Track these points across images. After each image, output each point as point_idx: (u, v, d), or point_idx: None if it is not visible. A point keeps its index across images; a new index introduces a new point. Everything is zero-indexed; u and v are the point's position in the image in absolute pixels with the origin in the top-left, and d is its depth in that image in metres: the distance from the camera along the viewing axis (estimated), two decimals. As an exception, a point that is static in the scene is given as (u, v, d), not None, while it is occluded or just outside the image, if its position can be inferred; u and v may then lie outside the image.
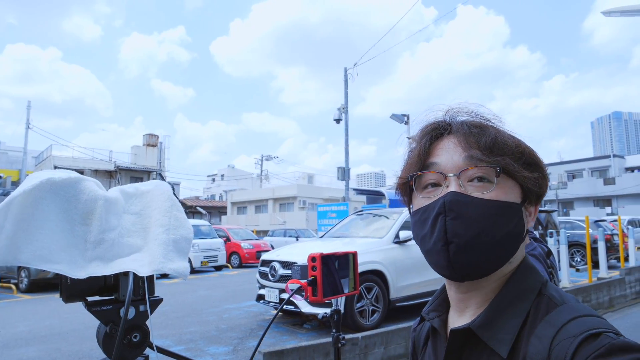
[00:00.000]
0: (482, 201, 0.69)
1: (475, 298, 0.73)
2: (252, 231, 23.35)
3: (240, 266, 17.75)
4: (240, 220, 41.73)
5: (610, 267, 11.41)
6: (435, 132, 0.77)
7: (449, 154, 0.74)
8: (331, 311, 1.38)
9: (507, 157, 0.71)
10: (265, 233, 28.89)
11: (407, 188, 0.80)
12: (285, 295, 6.43)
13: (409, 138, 0.83)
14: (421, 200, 0.75)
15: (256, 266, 7.77)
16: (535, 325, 0.66)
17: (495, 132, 0.73)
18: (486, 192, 0.70)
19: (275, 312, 7.45)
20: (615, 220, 16.03)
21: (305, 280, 1.17)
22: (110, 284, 0.82)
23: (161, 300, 0.83)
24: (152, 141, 35.63)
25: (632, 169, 48.24)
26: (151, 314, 0.80)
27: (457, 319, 0.76)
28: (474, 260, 0.69)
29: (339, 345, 1.29)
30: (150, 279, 0.82)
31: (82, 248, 0.75)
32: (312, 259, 1.18)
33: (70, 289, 0.77)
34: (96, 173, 32.06)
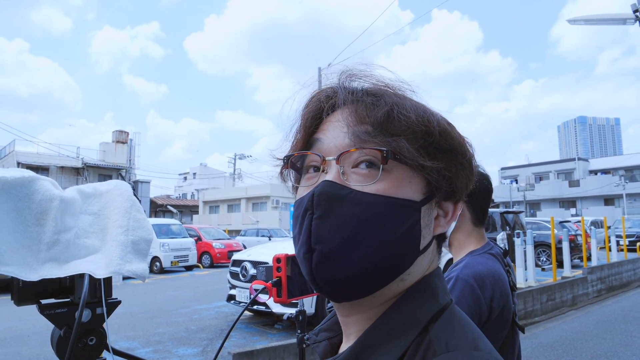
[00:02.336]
0: (362, 195, 0.51)
1: (357, 324, 0.56)
2: (224, 231, 23.14)
3: (211, 266, 17.56)
4: (212, 219, 41.27)
5: (573, 267, 11.80)
6: (323, 102, 0.59)
7: (333, 131, 0.56)
8: (296, 312, 1.38)
9: (403, 136, 0.53)
10: (237, 233, 28.67)
11: (293, 173, 0.62)
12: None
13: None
14: (301, 190, 0.58)
15: (228, 266, 7.70)
16: None
17: (393, 103, 0.54)
18: (370, 183, 0.52)
19: (249, 312, 7.41)
20: (579, 221, 16.61)
21: (270, 282, 1.17)
22: (65, 286, 0.80)
23: (119, 302, 0.81)
24: (121, 138, 34.85)
25: (595, 172, 50.15)
26: (108, 316, 0.79)
27: (345, 345, 0.59)
28: (341, 275, 0.51)
29: (304, 345, 1.29)
30: (108, 280, 0.80)
31: (36, 249, 0.73)
32: (277, 259, 1.18)
33: (23, 292, 0.75)
34: (62, 170, 31.13)
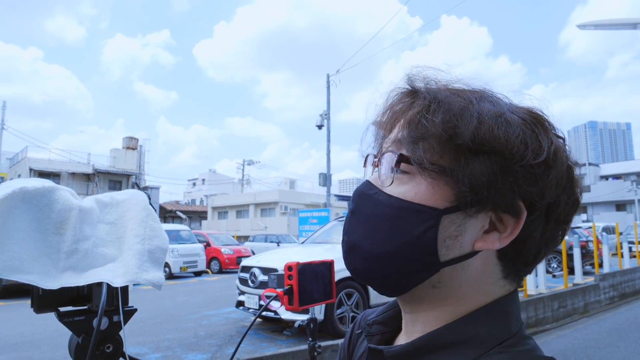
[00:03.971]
0: (382, 196, 0.53)
1: (416, 324, 0.57)
2: (233, 236, 23.20)
3: (220, 272, 17.60)
4: (220, 225, 41.42)
5: (585, 273, 11.66)
6: (395, 101, 0.60)
7: (394, 133, 0.58)
8: (307, 319, 1.39)
9: (423, 140, 0.51)
10: (246, 238, 28.73)
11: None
12: (264, 303, 6.39)
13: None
14: None
15: (236, 272, 7.71)
16: None
17: (427, 105, 0.53)
18: (393, 185, 0.53)
19: (258, 318, 7.41)
20: (590, 228, 16.42)
21: (282, 289, 1.18)
22: (83, 294, 0.81)
23: (135, 310, 0.83)
24: (131, 144, 35.18)
25: (606, 177, 49.59)
26: (125, 324, 0.80)
27: (404, 341, 0.59)
28: (357, 266, 0.55)
29: (315, 354, 1.30)
30: (125, 289, 0.82)
31: (55, 258, 0.75)
32: (289, 268, 1.19)
33: (42, 300, 0.76)
34: (73, 176, 31.46)
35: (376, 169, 0.58)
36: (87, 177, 32.37)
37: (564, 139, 0.55)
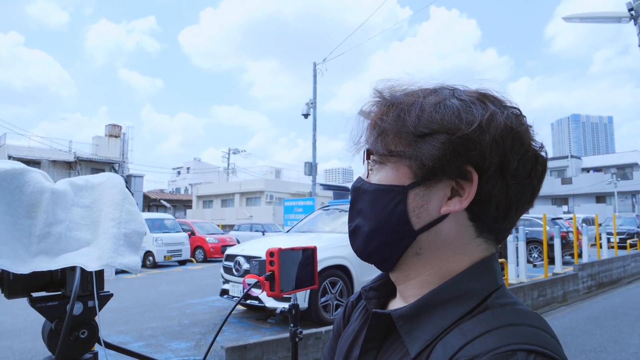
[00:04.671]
0: (365, 186, 0.66)
1: (411, 289, 0.65)
2: (218, 225, 23.09)
3: (205, 261, 17.53)
4: (205, 214, 41.19)
5: (565, 263, 11.90)
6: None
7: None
8: (289, 306, 1.38)
9: (383, 135, 0.63)
10: (231, 227, 28.62)
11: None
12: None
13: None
14: None
15: (221, 261, 7.69)
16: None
17: (387, 109, 0.63)
18: (374, 175, 0.66)
19: (242, 307, 7.41)
20: (570, 219, 16.73)
21: (263, 275, 1.17)
22: (56, 279, 0.79)
23: (111, 295, 0.81)
24: (114, 132, 34.62)
25: (588, 170, 50.48)
26: (100, 309, 0.78)
27: (399, 306, 0.67)
28: (361, 247, 0.67)
29: (297, 339, 1.29)
30: (100, 273, 0.80)
31: (27, 242, 0.73)
32: (271, 254, 1.18)
33: (13, 285, 0.74)
34: (54, 164, 30.90)
35: (366, 164, 0.69)
36: (69, 165, 31.82)
37: (516, 108, 0.63)
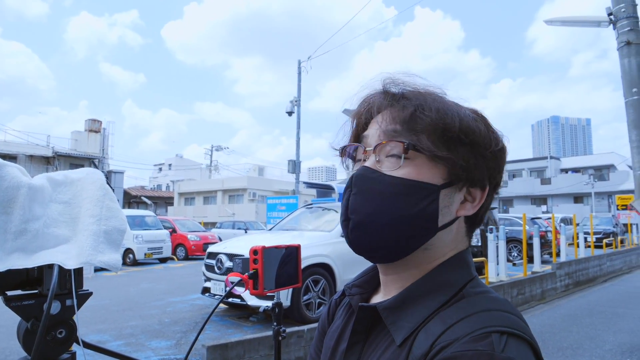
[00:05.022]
0: (387, 178, 0.65)
1: (397, 282, 0.69)
2: (200, 223, 22.88)
3: (186, 258, 17.34)
4: (187, 211, 40.76)
5: (543, 262, 12.12)
6: (370, 106, 0.73)
7: (375, 128, 0.70)
8: (273, 304, 1.37)
9: (424, 132, 0.65)
10: (213, 225, 28.40)
11: (345, 160, 0.78)
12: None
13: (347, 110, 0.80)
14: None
15: (203, 258, 7.62)
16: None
17: (419, 105, 0.66)
18: (395, 168, 0.65)
19: (224, 305, 7.36)
20: (549, 218, 17.05)
21: (247, 274, 1.16)
22: (33, 277, 0.76)
23: (90, 294, 0.79)
24: (94, 127, 33.98)
25: (566, 170, 51.52)
26: (78, 308, 0.76)
27: (381, 300, 0.70)
28: (368, 239, 0.65)
29: (280, 338, 1.28)
30: (79, 271, 0.78)
31: (2, 239, 0.70)
32: (254, 251, 1.16)
33: (-13, 283, 0.72)
34: (31, 159, 30.22)
35: (364, 155, 0.70)
36: (47, 160, 31.13)
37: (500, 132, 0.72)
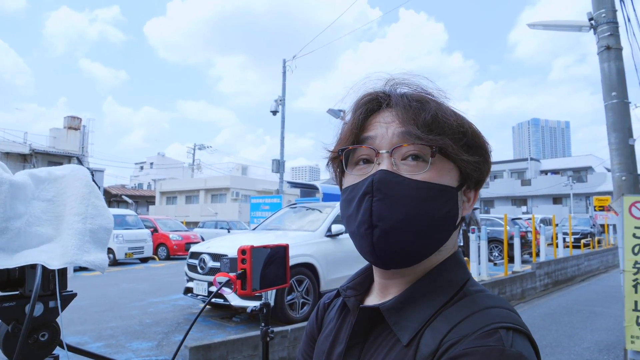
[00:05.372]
0: (414, 182, 0.63)
1: (399, 285, 0.68)
2: (182, 222, 22.63)
3: (167, 258, 17.14)
4: (169, 210, 40.30)
5: (523, 262, 12.29)
6: (373, 104, 0.70)
7: (384, 129, 0.67)
8: (260, 304, 1.35)
9: (446, 136, 0.65)
10: (195, 224, 28.12)
11: (339, 164, 0.73)
12: (214, 289, 6.28)
13: (340, 111, 0.77)
14: (351, 178, 0.69)
15: (185, 258, 7.53)
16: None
17: (437, 108, 0.66)
18: (419, 172, 0.64)
19: (206, 304, 7.28)
20: (529, 219, 17.32)
21: (234, 274, 1.14)
22: (14, 278, 0.73)
23: (75, 295, 0.76)
24: (74, 124, 33.34)
25: (546, 172, 52.45)
26: (62, 310, 0.73)
27: (377, 302, 0.70)
28: (399, 247, 0.63)
29: (268, 339, 1.26)
30: (63, 272, 0.75)
31: (-19, 237, 0.67)
32: (242, 251, 1.14)
33: (-34, 284, 0.69)
34: (7, 156, 29.49)
35: (377, 158, 0.66)
36: (24, 158, 30.40)
37: None
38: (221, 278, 1.11)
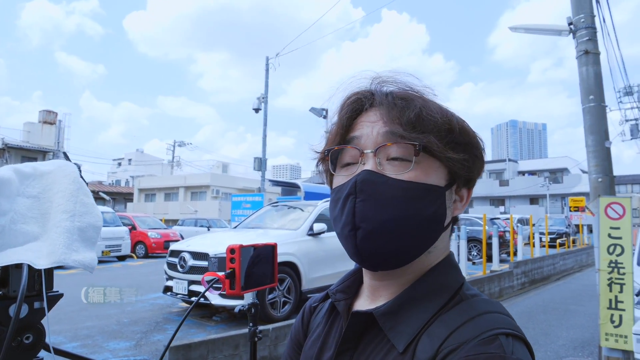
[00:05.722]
0: (397, 182, 0.61)
1: (390, 288, 0.67)
2: (161, 220, 22.33)
3: (146, 256, 16.89)
4: (148, 208, 39.71)
5: (501, 261, 12.51)
6: (358, 104, 0.68)
7: (369, 128, 0.65)
8: (249, 304, 1.33)
9: (431, 134, 0.63)
10: (174, 222, 27.77)
11: (327, 165, 0.72)
12: (195, 287, 6.21)
13: (323, 110, 0.75)
14: (339, 178, 0.68)
15: (164, 256, 7.42)
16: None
17: (422, 106, 0.64)
18: (404, 172, 0.62)
19: (186, 304, 7.19)
20: (507, 219, 17.63)
21: (223, 273, 1.12)
22: (-3, 278, 0.70)
23: (61, 295, 0.73)
24: (49, 118, 32.54)
25: (523, 173, 53.45)
26: (49, 311, 0.71)
27: (367, 306, 0.68)
28: (384, 248, 0.61)
29: (256, 339, 1.25)
30: (49, 272, 0.72)
31: (-37, 235, 0.64)
32: (231, 250, 1.12)
33: (-54, 284, 0.65)
34: (-20, 151, 28.63)
35: (362, 158, 0.64)
36: (-3, 152, 29.57)
37: None
38: (209, 277, 1.09)
